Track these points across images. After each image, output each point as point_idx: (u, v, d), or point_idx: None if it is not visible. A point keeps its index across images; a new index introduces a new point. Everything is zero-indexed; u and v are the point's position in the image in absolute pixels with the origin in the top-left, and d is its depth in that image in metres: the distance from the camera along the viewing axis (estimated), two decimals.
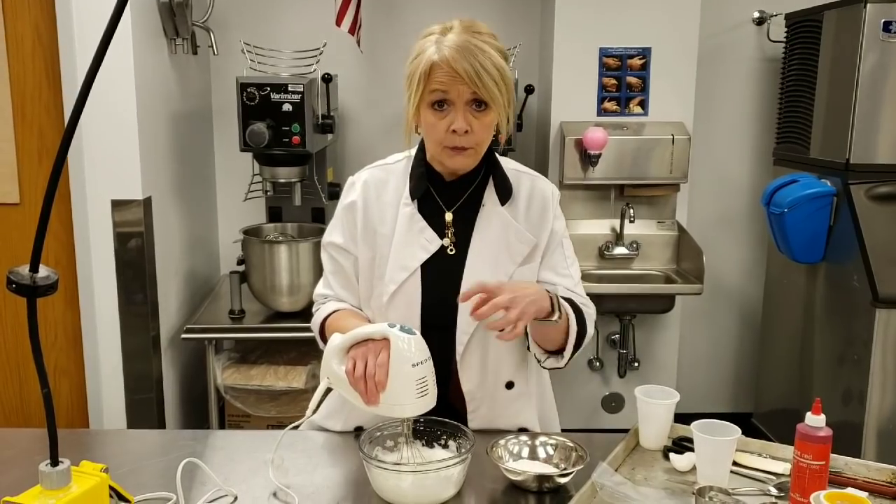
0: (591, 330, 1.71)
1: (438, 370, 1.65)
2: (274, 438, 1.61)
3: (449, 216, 1.69)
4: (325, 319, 1.72)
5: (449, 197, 1.70)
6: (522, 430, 1.74)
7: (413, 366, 1.42)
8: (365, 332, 1.48)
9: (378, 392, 1.43)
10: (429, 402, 1.46)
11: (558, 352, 1.67)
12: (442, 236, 1.68)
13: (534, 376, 1.79)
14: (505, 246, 1.68)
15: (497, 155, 1.73)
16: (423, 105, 1.58)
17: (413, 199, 1.69)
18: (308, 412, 1.52)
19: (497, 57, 1.55)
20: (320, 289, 1.80)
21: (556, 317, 1.57)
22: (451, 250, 1.68)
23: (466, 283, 1.65)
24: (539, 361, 1.71)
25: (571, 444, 1.54)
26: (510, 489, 1.47)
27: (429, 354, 1.46)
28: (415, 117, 1.61)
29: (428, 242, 1.67)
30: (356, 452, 1.51)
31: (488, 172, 1.71)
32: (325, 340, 1.70)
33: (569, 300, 1.67)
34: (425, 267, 1.67)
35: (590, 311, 1.73)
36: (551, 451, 1.56)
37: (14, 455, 1.60)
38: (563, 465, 1.52)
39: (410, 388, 1.43)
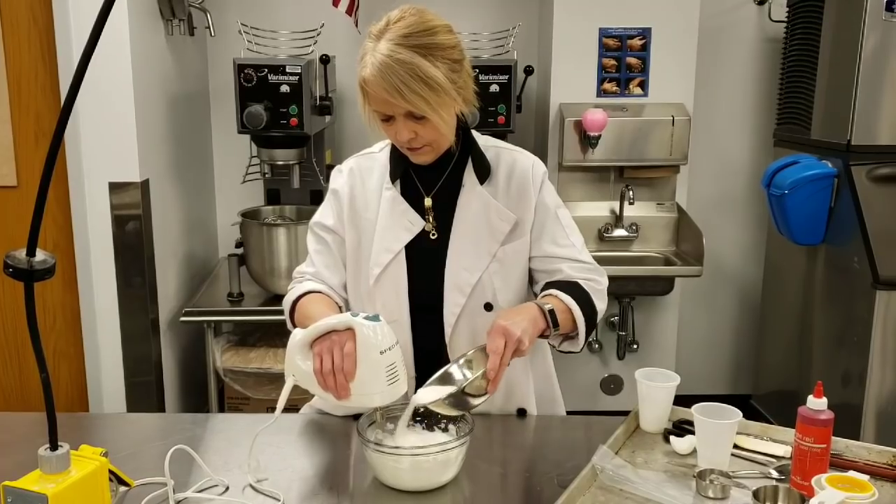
0: (602, 305, 1.71)
1: (429, 352, 1.64)
2: (275, 422, 1.60)
3: (428, 201, 1.69)
4: (296, 300, 1.71)
5: (428, 180, 1.70)
6: (521, 413, 1.75)
7: (381, 353, 1.39)
8: (327, 324, 1.44)
9: (348, 384, 1.40)
10: (400, 387, 1.43)
11: (573, 336, 1.66)
12: (424, 222, 1.68)
13: (537, 357, 1.79)
14: (486, 225, 1.68)
15: (475, 134, 1.73)
16: (371, 112, 1.58)
17: (393, 181, 1.70)
18: (276, 412, 1.47)
19: (423, 64, 1.48)
20: (301, 267, 1.80)
21: (550, 333, 1.57)
22: (434, 235, 1.69)
23: (450, 267, 1.66)
24: (554, 347, 1.70)
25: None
26: (509, 473, 1.47)
27: (396, 340, 1.43)
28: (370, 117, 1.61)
29: (411, 224, 1.68)
30: (356, 436, 1.50)
31: (466, 153, 1.71)
32: (293, 321, 1.70)
33: (573, 284, 1.67)
34: (410, 252, 1.67)
35: (598, 285, 1.71)
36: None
37: (13, 439, 1.60)
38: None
39: (380, 375, 1.40)
